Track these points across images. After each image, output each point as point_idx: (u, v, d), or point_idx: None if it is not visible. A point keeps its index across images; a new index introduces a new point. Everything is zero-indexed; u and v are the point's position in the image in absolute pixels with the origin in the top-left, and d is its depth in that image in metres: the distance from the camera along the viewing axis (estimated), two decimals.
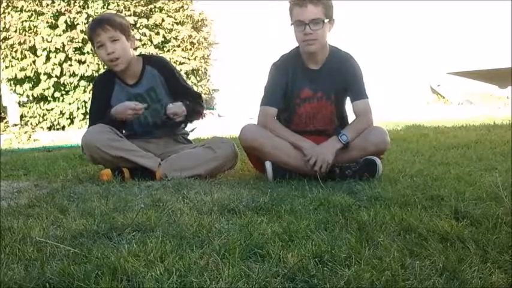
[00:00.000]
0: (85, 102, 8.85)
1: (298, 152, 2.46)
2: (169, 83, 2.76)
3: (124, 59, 2.64)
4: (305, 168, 2.42)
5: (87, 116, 8.82)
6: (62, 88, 8.96)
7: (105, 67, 2.91)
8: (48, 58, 8.74)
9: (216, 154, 2.62)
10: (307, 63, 2.60)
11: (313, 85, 2.58)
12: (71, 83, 8.84)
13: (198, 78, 9.73)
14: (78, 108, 8.96)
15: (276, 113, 2.57)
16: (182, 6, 9.65)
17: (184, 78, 3.03)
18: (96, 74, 8.72)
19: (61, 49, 8.70)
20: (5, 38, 8.74)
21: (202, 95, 2.93)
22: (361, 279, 1.13)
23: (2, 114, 9.51)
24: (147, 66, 2.74)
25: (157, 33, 9.04)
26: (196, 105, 2.76)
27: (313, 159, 2.37)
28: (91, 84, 8.84)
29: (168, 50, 9.38)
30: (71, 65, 8.75)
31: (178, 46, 9.47)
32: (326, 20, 2.46)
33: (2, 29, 8.72)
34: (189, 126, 2.94)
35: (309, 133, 2.60)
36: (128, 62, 2.67)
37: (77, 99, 8.93)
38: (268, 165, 2.45)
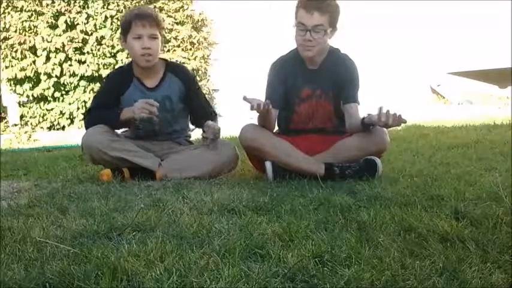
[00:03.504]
0: (85, 102, 8.86)
1: (298, 152, 2.46)
2: (189, 95, 2.74)
3: (155, 57, 2.64)
4: (305, 168, 2.42)
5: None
6: (62, 88, 8.97)
7: (122, 63, 2.89)
8: (48, 58, 8.75)
9: (217, 156, 2.61)
10: (306, 63, 2.60)
11: (312, 84, 2.59)
12: (71, 83, 8.85)
13: (198, 78, 9.73)
14: (78, 108, 8.96)
15: (277, 114, 2.57)
16: (182, 6, 9.66)
17: (202, 91, 3.01)
18: (96, 74, 8.72)
19: (61, 49, 8.70)
20: (5, 38, 8.75)
21: (216, 112, 2.92)
22: (361, 279, 1.13)
23: (2, 114, 9.51)
24: (169, 73, 2.71)
25: None
26: None
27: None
28: (91, 84, 8.85)
29: (168, 50, 9.39)
30: (71, 65, 8.76)
31: (178, 46, 9.47)
32: (329, 30, 2.45)
33: (2, 29, 8.73)
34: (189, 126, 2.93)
35: (308, 131, 2.60)
36: (155, 59, 2.66)
37: (77, 99, 8.94)
38: (268, 165, 2.45)
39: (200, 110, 2.80)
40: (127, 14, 2.73)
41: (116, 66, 8.67)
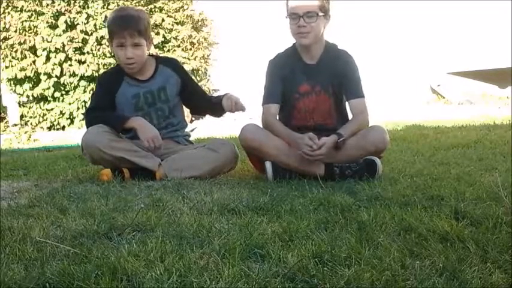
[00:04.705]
0: (85, 102, 8.86)
1: (298, 152, 2.46)
2: (186, 83, 2.79)
3: (140, 63, 2.66)
4: (305, 168, 2.42)
5: None
6: (62, 88, 8.97)
7: (112, 65, 2.92)
8: (48, 58, 8.75)
9: (217, 155, 2.62)
10: (304, 58, 2.60)
11: (311, 80, 2.59)
12: (71, 83, 8.85)
13: (198, 78, 9.74)
14: (78, 108, 8.97)
15: (278, 109, 2.58)
16: (182, 6, 9.66)
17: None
18: (96, 74, 8.73)
19: (61, 49, 8.71)
20: (5, 38, 8.75)
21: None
22: (361, 279, 1.13)
23: (2, 114, 9.51)
24: (160, 65, 2.76)
25: (158, 33, 9.06)
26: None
27: (316, 144, 2.33)
28: (91, 84, 8.85)
29: (168, 50, 9.39)
30: (71, 65, 8.76)
31: (178, 46, 9.47)
32: (321, 14, 2.46)
33: (2, 29, 8.73)
34: (189, 127, 2.94)
35: (309, 128, 2.60)
36: (142, 64, 2.68)
37: (77, 99, 8.94)
38: (268, 165, 2.45)
39: (201, 94, 2.84)
40: (110, 18, 2.72)
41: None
